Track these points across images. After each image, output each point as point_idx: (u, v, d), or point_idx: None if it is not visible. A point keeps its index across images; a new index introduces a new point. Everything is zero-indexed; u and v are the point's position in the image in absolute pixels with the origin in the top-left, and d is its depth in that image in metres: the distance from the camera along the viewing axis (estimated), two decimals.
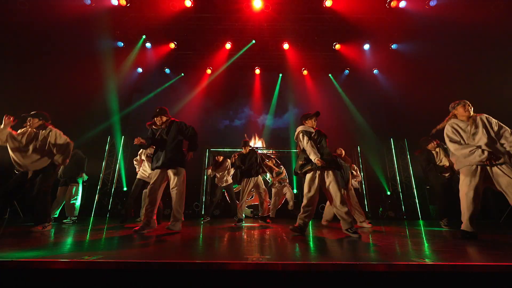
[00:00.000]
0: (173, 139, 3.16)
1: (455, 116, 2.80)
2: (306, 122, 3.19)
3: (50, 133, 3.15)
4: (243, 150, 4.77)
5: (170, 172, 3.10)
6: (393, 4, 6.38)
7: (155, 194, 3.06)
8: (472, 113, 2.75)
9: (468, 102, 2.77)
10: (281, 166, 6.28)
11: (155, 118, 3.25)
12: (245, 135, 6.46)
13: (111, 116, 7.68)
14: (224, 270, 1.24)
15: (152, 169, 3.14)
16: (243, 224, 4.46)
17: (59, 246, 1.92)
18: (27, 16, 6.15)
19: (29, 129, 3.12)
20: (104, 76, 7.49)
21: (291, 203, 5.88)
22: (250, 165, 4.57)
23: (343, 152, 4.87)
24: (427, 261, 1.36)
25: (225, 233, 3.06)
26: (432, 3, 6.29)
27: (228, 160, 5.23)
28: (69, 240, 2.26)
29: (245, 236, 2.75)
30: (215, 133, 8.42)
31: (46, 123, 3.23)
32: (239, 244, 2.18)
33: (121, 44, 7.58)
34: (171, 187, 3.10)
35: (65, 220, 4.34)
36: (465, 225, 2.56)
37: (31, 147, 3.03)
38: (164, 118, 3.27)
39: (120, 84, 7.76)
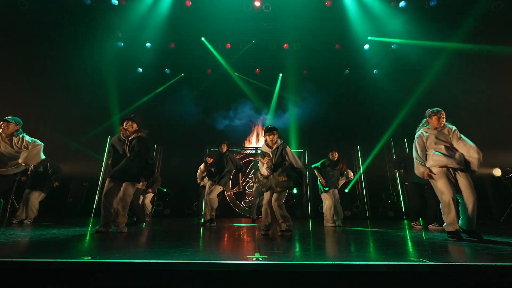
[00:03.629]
0: (134, 156, 2.95)
1: (428, 124, 2.85)
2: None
3: (24, 138, 3.08)
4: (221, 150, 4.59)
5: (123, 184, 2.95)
6: (393, 4, 6.41)
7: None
8: (443, 123, 2.77)
9: (444, 114, 2.78)
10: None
11: (125, 122, 3.00)
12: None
13: (111, 116, 7.67)
14: (224, 270, 1.24)
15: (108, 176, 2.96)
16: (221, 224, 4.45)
17: (59, 246, 1.92)
18: (27, 16, 6.16)
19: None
20: (104, 76, 7.50)
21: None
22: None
23: (336, 156, 4.63)
24: (427, 261, 1.36)
25: (225, 233, 3.06)
26: (432, 3, 6.30)
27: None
28: (69, 241, 2.26)
29: (244, 236, 2.75)
30: (215, 133, 8.41)
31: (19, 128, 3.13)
32: (239, 244, 2.18)
33: (121, 44, 7.58)
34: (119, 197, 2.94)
35: (26, 220, 4.28)
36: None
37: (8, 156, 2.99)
38: (135, 127, 3.03)
39: (120, 84, 7.76)
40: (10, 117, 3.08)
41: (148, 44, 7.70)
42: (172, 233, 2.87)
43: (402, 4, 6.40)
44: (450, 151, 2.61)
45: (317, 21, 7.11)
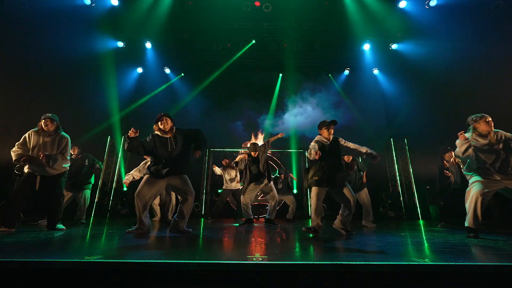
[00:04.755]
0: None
1: (475, 130, 2.78)
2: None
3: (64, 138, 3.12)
4: (253, 154, 4.55)
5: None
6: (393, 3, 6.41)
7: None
8: (493, 128, 2.71)
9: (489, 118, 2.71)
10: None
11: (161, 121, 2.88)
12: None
13: (111, 116, 7.67)
14: (224, 270, 1.24)
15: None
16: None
17: (60, 247, 1.92)
18: (27, 16, 6.15)
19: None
20: (104, 76, 7.49)
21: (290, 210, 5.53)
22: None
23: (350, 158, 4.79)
24: (427, 261, 1.36)
25: (226, 233, 3.06)
26: (432, 3, 6.30)
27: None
28: (69, 241, 2.26)
29: (245, 236, 2.75)
30: (215, 133, 8.40)
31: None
32: (239, 244, 2.18)
33: (121, 44, 7.57)
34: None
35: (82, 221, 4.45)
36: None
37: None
38: (170, 123, 2.91)
39: (120, 84, 7.76)
40: (50, 114, 3.08)
41: (148, 44, 7.70)
42: (172, 233, 2.87)
43: (402, 4, 6.41)
44: None
45: (317, 21, 7.11)
